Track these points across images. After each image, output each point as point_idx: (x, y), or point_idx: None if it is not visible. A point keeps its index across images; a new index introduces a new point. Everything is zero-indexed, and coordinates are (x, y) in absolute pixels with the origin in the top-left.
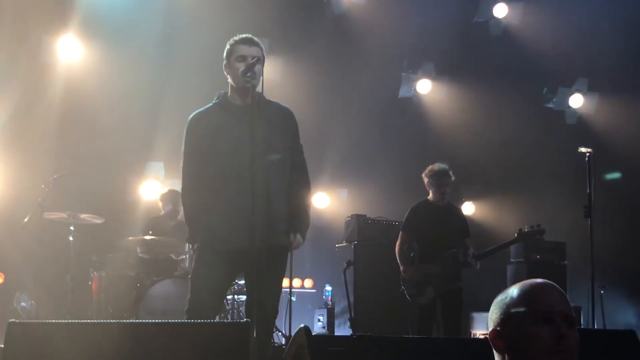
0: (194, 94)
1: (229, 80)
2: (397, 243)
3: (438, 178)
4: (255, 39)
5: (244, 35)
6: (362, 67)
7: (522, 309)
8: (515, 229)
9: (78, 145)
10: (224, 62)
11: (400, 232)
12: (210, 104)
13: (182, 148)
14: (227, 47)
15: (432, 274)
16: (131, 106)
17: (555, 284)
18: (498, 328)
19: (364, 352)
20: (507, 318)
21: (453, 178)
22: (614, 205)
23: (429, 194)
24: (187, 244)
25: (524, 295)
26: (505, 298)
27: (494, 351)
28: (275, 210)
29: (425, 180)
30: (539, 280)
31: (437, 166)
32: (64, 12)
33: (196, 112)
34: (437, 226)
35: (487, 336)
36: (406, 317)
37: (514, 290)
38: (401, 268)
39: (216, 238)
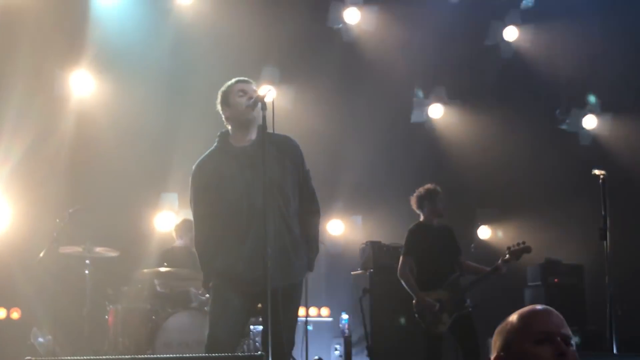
0: (207, 124)
1: (229, 122)
2: (401, 269)
3: (437, 200)
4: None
5: (236, 78)
6: (374, 94)
7: (522, 332)
8: (531, 253)
9: (92, 178)
10: (220, 106)
11: (403, 258)
12: (212, 148)
13: (190, 196)
14: (222, 93)
15: (443, 299)
16: (144, 138)
17: (553, 309)
18: (502, 353)
19: None
20: (509, 342)
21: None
22: (631, 226)
23: (420, 217)
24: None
25: (523, 319)
26: (506, 325)
27: None
28: (289, 248)
29: (416, 202)
30: (537, 305)
31: (433, 187)
32: (77, 46)
33: (199, 160)
34: (436, 248)
35: None
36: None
37: (513, 317)
38: (415, 296)
39: (232, 277)
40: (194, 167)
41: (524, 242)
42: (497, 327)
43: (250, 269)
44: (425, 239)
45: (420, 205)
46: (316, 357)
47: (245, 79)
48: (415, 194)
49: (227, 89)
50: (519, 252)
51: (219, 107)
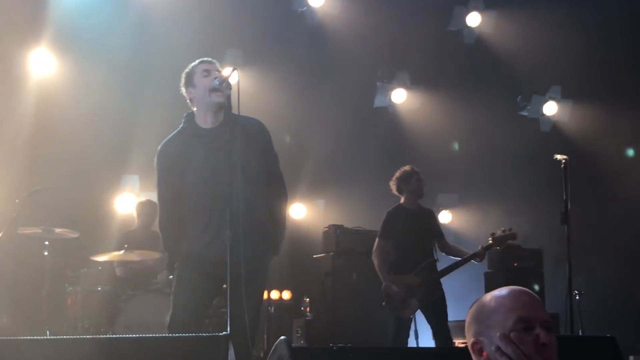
0: (168, 106)
1: (195, 105)
2: (375, 252)
3: (412, 181)
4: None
5: (199, 59)
6: (337, 77)
7: (501, 317)
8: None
9: (52, 159)
10: (184, 88)
11: (378, 240)
12: (178, 129)
13: (155, 178)
14: (185, 74)
15: (413, 285)
16: (105, 119)
17: (530, 291)
18: (480, 338)
19: None
20: (488, 327)
21: (424, 180)
22: (590, 211)
23: (400, 199)
24: (162, 256)
25: (503, 303)
26: (483, 308)
27: None
28: (254, 231)
29: (395, 185)
30: (514, 287)
31: (408, 168)
32: (37, 25)
33: (164, 141)
34: (413, 232)
35: (469, 346)
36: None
37: (491, 300)
38: (383, 280)
39: (196, 260)
40: (159, 147)
41: (510, 229)
42: (471, 310)
43: (214, 251)
44: (402, 222)
45: (398, 189)
46: (282, 337)
47: (209, 59)
48: (392, 178)
49: (190, 70)
50: (503, 238)
51: (182, 90)
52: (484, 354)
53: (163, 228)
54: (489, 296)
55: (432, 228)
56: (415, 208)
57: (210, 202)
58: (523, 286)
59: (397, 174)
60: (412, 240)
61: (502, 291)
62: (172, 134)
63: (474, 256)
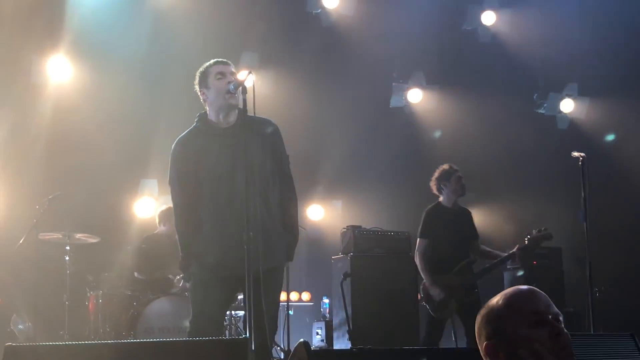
0: (185, 109)
1: (208, 105)
2: (418, 251)
3: (452, 179)
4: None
5: (214, 59)
6: (353, 79)
7: (513, 316)
8: (509, 236)
9: (71, 165)
10: (198, 87)
11: (420, 239)
12: (192, 127)
13: (168, 176)
14: (200, 73)
15: (452, 285)
16: (123, 124)
17: (536, 288)
18: (493, 340)
19: None
20: (500, 328)
21: (464, 178)
22: (608, 208)
23: (439, 198)
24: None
25: (511, 302)
26: (492, 310)
27: None
28: (269, 230)
29: (435, 185)
30: (521, 286)
31: (447, 167)
32: (55, 32)
33: (178, 138)
34: (451, 232)
35: (482, 351)
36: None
37: (499, 301)
38: (427, 281)
39: (212, 263)
40: (173, 145)
41: (545, 229)
42: (479, 315)
43: (230, 253)
44: (439, 221)
45: (438, 188)
46: (301, 340)
47: (223, 60)
48: (432, 178)
49: (205, 70)
50: (539, 239)
51: (196, 88)
52: (500, 354)
53: (179, 227)
54: (496, 299)
55: (469, 228)
56: (454, 207)
57: (226, 201)
58: (542, 284)
59: (437, 174)
60: (450, 240)
61: (509, 291)
62: (185, 133)
63: (512, 256)
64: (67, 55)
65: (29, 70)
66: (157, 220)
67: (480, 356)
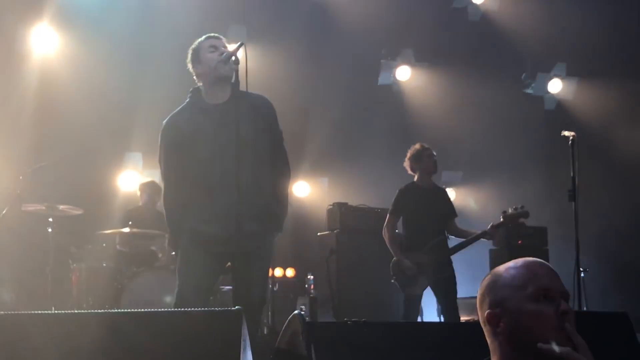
0: (172, 84)
1: (200, 79)
2: (386, 228)
3: (423, 158)
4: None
5: (205, 35)
6: (341, 55)
7: (519, 287)
8: (496, 215)
9: (55, 136)
10: (191, 64)
11: (388, 216)
12: (184, 104)
13: (159, 153)
14: (192, 50)
15: (422, 262)
16: (108, 97)
17: (547, 263)
18: (497, 310)
19: (358, 338)
20: (504, 298)
21: (436, 156)
22: (596, 189)
23: (414, 177)
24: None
25: (521, 274)
26: (498, 278)
27: (489, 333)
28: (261, 207)
29: (408, 164)
30: (530, 258)
31: (419, 146)
32: (39, 0)
33: (170, 115)
34: (424, 210)
35: (483, 318)
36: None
37: (508, 270)
38: (394, 257)
39: (200, 237)
40: (164, 122)
41: (522, 207)
42: (483, 282)
43: (220, 229)
44: (412, 199)
45: (412, 168)
46: (295, 311)
47: (216, 34)
48: (405, 158)
49: (197, 45)
50: (515, 216)
51: (189, 66)
52: (501, 324)
53: (168, 204)
54: (504, 267)
55: (444, 206)
56: (428, 186)
57: (217, 178)
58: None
59: (409, 154)
60: (423, 218)
61: (519, 262)
62: (178, 109)
63: (484, 234)
64: (52, 24)
65: (12, 39)
66: (138, 193)
67: (465, 330)
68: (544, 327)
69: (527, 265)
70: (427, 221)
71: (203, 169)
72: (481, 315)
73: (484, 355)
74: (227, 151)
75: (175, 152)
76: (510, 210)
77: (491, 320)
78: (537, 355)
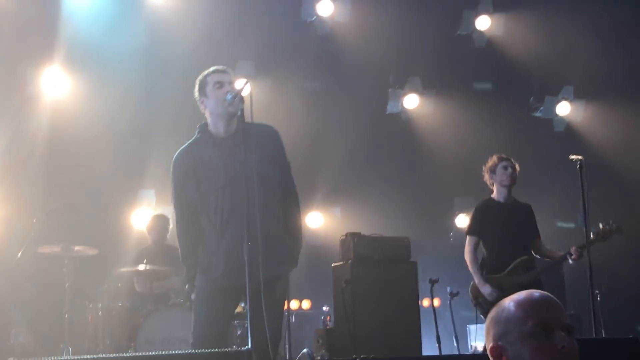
0: (183, 121)
1: (208, 113)
2: (467, 250)
3: (497, 170)
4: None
5: (213, 67)
6: (349, 86)
7: (522, 321)
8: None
9: (68, 177)
10: (198, 97)
11: (468, 237)
12: (193, 139)
13: (171, 189)
14: (199, 82)
15: (505, 286)
16: (120, 135)
17: (551, 295)
18: (499, 343)
19: None
20: (507, 332)
21: (518, 169)
22: (608, 211)
23: (492, 192)
24: (180, 272)
25: (522, 308)
26: (502, 312)
27: None
28: (272, 240)
29: (486, 176)
30: (535, 292)
31: (495, 157)
32: (50, 44)
33: (179, 150)
34: (502, 228)
35: (488, 350)
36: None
37: (510, 304)
38: (476, 280)
39: (215, 275)
40: (174, 157)
41: (612, 222)
42: (491, 314)
43: (233, 264)
44: (489, 216)
45: (490, 181)
46: (305, 350)
47: (222, 68)
48: (484, 168)
49: (203, 78)
50: (607, 233)
51: (196, 96)
52: (503, 358)
53: (180, 240)
54: (508, 300)
55: (527, 224)
56: (507, 201)
57: (227, 211)
58: (540, 287)
59: (484, 168)
60: (503, 237)
61: (521, 295)
62: (186, 144)
63: (565, 257)
64: (62, 66)
65: (24, 83)
66: (146, 231)
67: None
68: None
69: (528, 298)
70: (507, 240)
71: (213, 201)
72: (487, 347)
73: None
74: (236, 182)
75: (186, 185)
76: (601, 227)
77: (494, 353)
78: None
